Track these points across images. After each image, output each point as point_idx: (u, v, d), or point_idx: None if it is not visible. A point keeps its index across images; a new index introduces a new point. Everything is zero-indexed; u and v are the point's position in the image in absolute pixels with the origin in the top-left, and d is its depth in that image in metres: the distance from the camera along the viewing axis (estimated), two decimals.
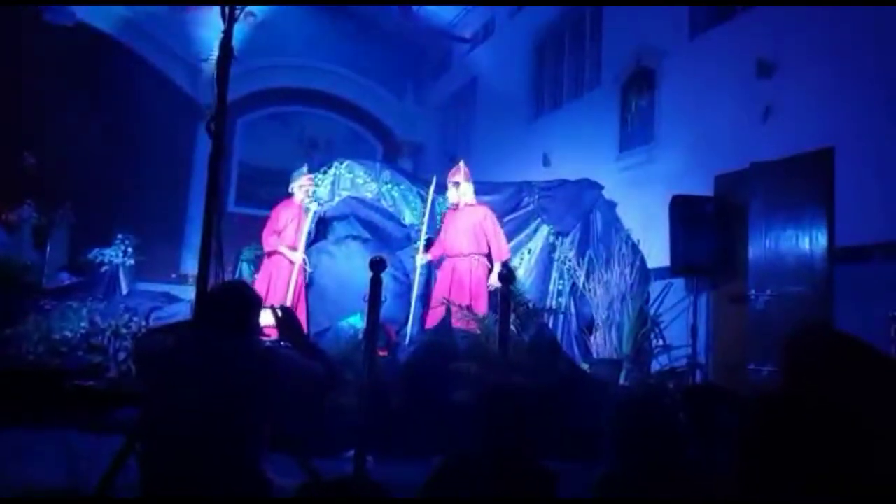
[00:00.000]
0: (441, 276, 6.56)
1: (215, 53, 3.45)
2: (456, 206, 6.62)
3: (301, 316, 6.26)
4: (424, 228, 6.81)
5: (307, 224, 6.76)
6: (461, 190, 6.57)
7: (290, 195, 6.87)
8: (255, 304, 2.54)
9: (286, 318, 2.62)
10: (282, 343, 2.75)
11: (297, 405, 2.94)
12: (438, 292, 6.41)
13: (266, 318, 2.75)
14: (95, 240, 8.52)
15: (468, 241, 6.42)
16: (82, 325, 5.68)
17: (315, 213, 6.88)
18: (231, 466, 2.21)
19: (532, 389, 4.19)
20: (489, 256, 6.46)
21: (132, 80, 9.78)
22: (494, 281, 5.96)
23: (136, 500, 2.31)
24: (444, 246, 6.57)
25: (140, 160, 9.71)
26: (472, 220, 6.51)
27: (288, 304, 6.23)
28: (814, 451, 1.67)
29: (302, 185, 6.84)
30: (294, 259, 6.56)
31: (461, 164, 6.78)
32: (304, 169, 6.99)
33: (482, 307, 6.17)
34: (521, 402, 2.33)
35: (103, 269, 8.10)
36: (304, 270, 6.66)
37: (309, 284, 6.75)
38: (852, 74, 5.13)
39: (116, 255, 8.30)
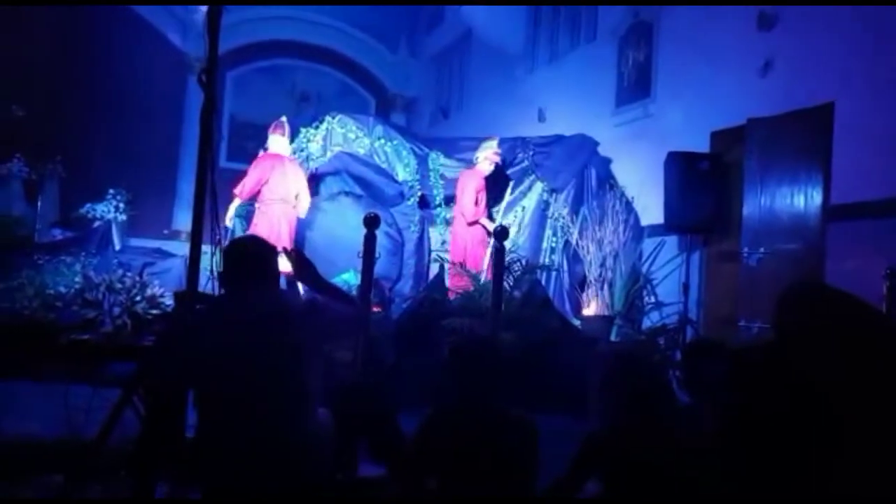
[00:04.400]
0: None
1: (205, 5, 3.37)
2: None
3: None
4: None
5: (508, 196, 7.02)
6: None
7: (472, 164, 7.00)
8: (275, 252, 2.51)
9: (301, 260, 2.58)
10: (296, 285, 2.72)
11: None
12: None
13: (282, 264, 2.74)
14: (87, 195, 8.44)
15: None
16: (76, 280, 5.68)
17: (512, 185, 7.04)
18: (286, 421, 2.20)
19: (506, 343, 4.25)
20: None
21: (121, 32, 9.56)
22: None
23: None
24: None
25: (130, 114, 9.57)
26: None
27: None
28: (796, 404, 1.69)
29: (488, 157, 6.89)
30: (491, 228, 6.65)
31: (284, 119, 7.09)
32: (494, 142, 6.99)
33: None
34: (489, 355, 2.34)
35: (95, 224, 8.04)
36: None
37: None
38: (855, 27, 5.05)
39: (108, 210, 8.24)
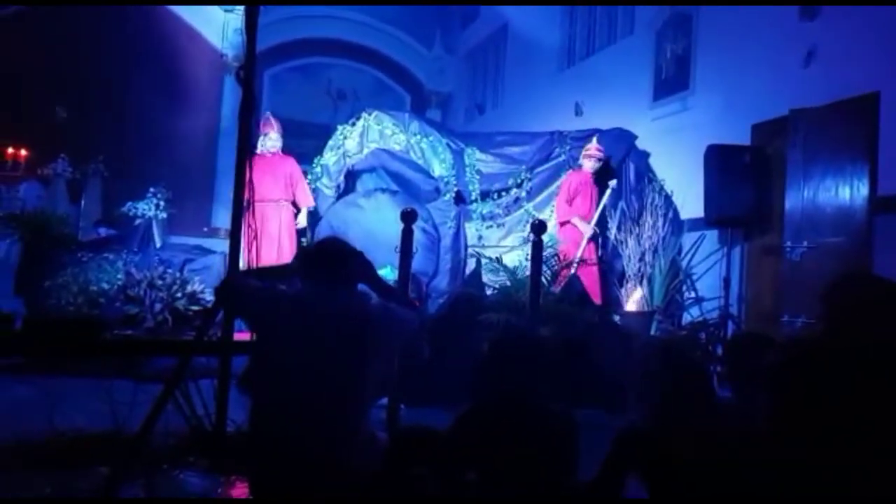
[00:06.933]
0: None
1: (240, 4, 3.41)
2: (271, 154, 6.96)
3: None
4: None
5: (604, 199, 6.73)
6: (275, 139, 7.00)
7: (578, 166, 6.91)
8: (356, 254, 2.57)
9: (361, 263, 2.61)
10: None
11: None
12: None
13: None
14: (128, 193, 8.60)
15: (279, 188, 6.82)
16: (119, 276, 5.80)
17: (611, 188, 6.77)
18: (346, 420, 2.25)
19: (544, 338, 4.20)
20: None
21: (159, 32, 9.73)
22: (302, 221, 6.88)
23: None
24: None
25: (169, 114, 9.72)
26: (282, 168, 6.90)
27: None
28: (848, 396, 1.65)
29: (585, 155, 6.82)
30: (584, 230, 6.56)
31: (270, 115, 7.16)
32: (593, 139, 6.90)
33: (288, 253, 6.60)
34: (529, 349, 2.31)
35: (137, 222, 8.19)
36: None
37: None
38: None
39: (149, 208, 8.37)
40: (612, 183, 6.70)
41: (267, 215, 6.73)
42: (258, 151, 6.89)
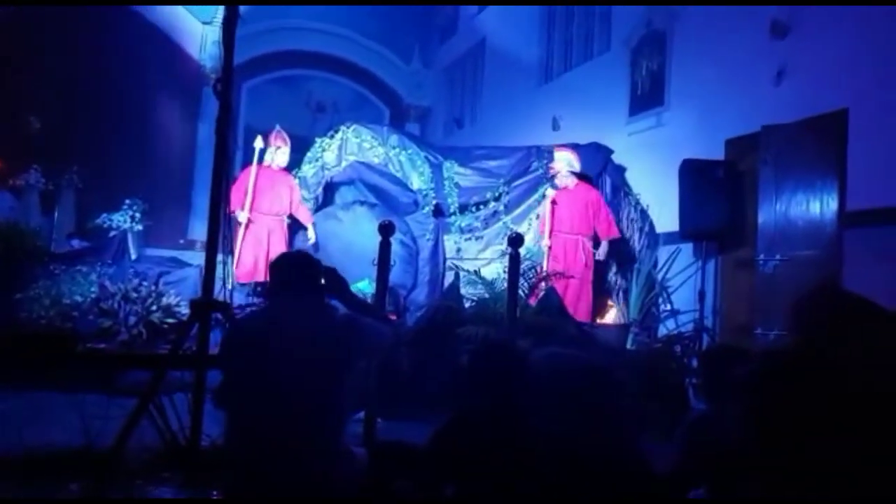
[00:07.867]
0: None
1: (219, 15, 3.40)
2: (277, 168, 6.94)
3: None
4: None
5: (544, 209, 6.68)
6: (286, 153, 6.95)
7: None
8: (321, 267, 2.56)
9: (333, 278, 2.61)
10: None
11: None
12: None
13: None
14: (103, 205, 8.51)
15: (283, 203, 6.82)
16: (92, 289, 5.71)
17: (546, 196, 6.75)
18: (321, 435, 2.24)
19: (525, 351, 4.21)
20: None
21: (136, 42, 9.66)
22: (312, 236, 6.86)
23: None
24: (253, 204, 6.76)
25: (146, 124, 9.66)
26: (285, 183, 6.90)
27: None
28: (816, 409, 1.68)
29: (552, 174, 6.77)
30: (543, 244, 6.57)
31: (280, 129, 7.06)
32: (568, 154, 6.80)
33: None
34: (509, 362, 2.31)
35: (111, 234, 8.09)
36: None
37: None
38: (868, 34, 5.02)
39: (124, 220, 8.30)
40: (546, 190, 6.66)
41: (271, 229, 6.69)
42: (265, 163, 6.83)
